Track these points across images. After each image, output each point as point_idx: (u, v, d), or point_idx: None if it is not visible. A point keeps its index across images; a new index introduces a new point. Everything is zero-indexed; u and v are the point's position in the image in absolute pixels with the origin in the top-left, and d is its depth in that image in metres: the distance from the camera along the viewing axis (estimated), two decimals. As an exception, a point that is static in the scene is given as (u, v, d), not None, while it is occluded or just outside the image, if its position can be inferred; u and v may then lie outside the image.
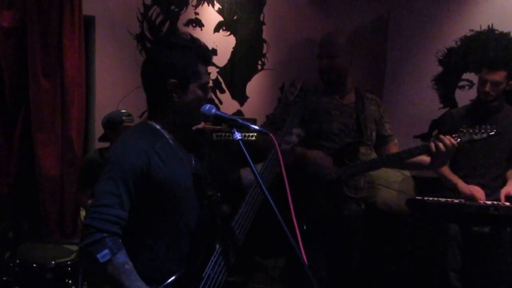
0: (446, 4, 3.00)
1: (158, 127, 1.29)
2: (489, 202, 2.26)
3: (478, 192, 2.35)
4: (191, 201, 1.29)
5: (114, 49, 3.07)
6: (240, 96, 3.41)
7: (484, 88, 2.39)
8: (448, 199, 2.25)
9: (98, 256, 1.13)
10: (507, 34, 2.91)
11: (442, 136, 1.78)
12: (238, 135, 1.21)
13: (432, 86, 3.08)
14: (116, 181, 1.19)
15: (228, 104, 3.43)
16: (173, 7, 3.34)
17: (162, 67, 1.26)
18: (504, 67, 2.38)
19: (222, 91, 3.44)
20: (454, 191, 2.43)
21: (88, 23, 2.97)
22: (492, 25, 2.94)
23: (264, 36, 3.36)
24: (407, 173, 2.87)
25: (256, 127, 1.25)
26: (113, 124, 2.49)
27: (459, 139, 1.83)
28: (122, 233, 1.18)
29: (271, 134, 1.26)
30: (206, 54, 1.31)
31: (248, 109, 3.39)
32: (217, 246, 1.23)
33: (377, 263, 3.06)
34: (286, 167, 1.23)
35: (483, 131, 1.86)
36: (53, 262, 2.15)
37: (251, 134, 2.76)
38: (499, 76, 2.36)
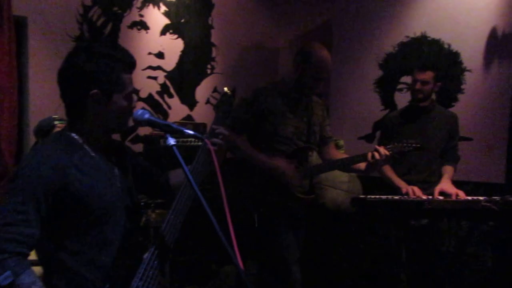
0: (384, 12, 3.18)
1: (77, 137, 1.23)
2: (424, 197, 2.42)
3: (415, 190, 2.49)
4: (115, 213, 1.23)
5: (50, 52, 2.81)
6: (189, 101, 3.32)
7: (415, 86, 2.59)
8: (389, 196, 2.37)
9: None
10: (438, 40, 3.10)
11: (377, 147, 2.08)
12: (172, 141, 1.17)
13: (374, 89, 3.20)
14: (24, 197, 1.11)
15: (177, 109, 3.32)
16: (115, 8, 3.14)
17: (83, 77, 1.19)
18: (432, 68, 2.60)
19: (171, 96, 3.31)
20: (396, 189, 2.58)
21: (20, 24, 2.66)
22: (425, 32, 3.13)
23: (213, 40, 3.30)
24: (353, 173, 2.94)
25: (191, 132, 1.23)
26: (43, 131, 2.27)
27: (391, 151, 2.14)
28: (43, 251, 1.12)
29: (205, 139, 1.27)
30: (130, 62, 1.26)
31: (198, 114, 3.32)
32: (145, 256, 1.19)
33: (331, 262, 3.11)
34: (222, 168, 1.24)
35: (409, 145, 2.20)
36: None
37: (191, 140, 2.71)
38: (427, 75, 2.57)
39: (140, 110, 1.25)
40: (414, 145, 2.18)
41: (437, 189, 2.49)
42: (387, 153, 2.07)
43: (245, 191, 2.26)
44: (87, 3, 3.05)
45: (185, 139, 2.89)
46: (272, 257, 2.23)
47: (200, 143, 1.42)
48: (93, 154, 1.23)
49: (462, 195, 2.43)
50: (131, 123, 1.28)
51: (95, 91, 1.18)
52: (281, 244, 2.19)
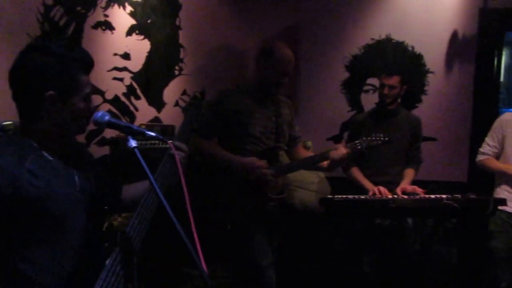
0: (351, 14, 3.24)
1: (31, 141, 1.17)
2: (389, 196, 2.47)
3: (381, 190, 2.55)
4: (74, 218, 1.19)
5: (9, 52, 2.66)
6: (157, 103, 3.26)
7: (383, 91, 2.66)
8: (355, 196, 2.41)
9: None
10: (402, 42, 3.17)
11: (338, 146, 2.18)
12: (133, 143, 1.15)
13: (341, 90, 3.23)
14: None
15: (144, 111, 3.25)
16: (79, 8, 3.03)
17: (37, 78, 1.14)
18: (398, 73, 2.67)
19: (137, 98, 3.24)
20: (363, 190, 2.65)
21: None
22: (389, 34, 3.18)
23: (181, 41, 3.26)
24: (322, 174, 2.96)
25: (153, 134, 1.22)
26: None
27: (359, 146, 2.19)
28: None
29: (169, 142, 1.25)
30: (88, 62, 1.23)
31: (166, 116, 3.26)
32: (107, 262, 1.16)
33: (301, 262, 3.10)
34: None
35: (378, 138, 2.25)
36: None
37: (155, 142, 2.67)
38: (394, 80, 2.64)
39: (100, 112, 1.21)
40: (382, 138, 2.23)
41: (399, 189, 2.57)
42: (346, 151, 2.13)
43: (216, 195, 2.25)
44: (48, 2, 2.95)
45: (153, 142, 2.82)
46: (246, 261, 2.22)
47: (165, 145, 1.38)
48: (50, 158, 1.17)
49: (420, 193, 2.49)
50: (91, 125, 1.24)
51: (51, 92, 1.14)
52: (254, 248, 2.19)
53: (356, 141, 2.23)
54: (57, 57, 1.15)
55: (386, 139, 2.27)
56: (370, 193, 2.54)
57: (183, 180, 1.16)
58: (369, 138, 2.25)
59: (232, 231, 2.23)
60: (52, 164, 1.17)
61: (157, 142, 2.82)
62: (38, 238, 1.13)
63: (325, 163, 2.22)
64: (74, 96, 1.17)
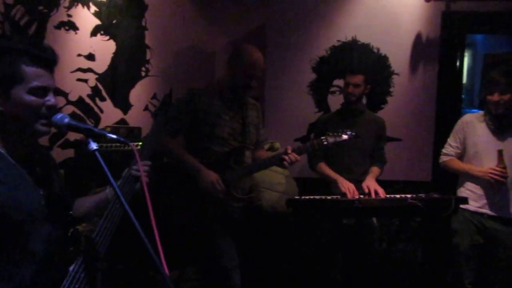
0: (317, 16, 3.24)
1: None
2: (356, 197, 2.50)
3: (352, 188, 2.57)
4: (37, 224, 1.16)
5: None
6: (123, 104, 3.22)
7: (347, 89, 2.70)
8: (322, 196, 2.43)
9: None
10: (368, 44, 3.19)
11: (288, 150, 2.19)
12: (93, 145, 1.13)
13: (308, 92, 3.23)
14: None
15: (110, 113, 3.20)
16: (41, 7, 2.95)
17: None
18: (362, 72, 2.71)
19: (103, 99, 3.18)
20: (331, 187, 2.67)
21: None
22: (355, 36, 3.20)
23: (147, 41, 3.19)
24: (288, 173, 2.96)
25: (114, 136, 1.20)
26: None
27: (326, 142, 2.24)
28: None
29: (132, 145, 1.23)
30: (37, 55, 1.18)
31: (133, 118, 3.20)
32: (70, 269, 1.15)
33: (269, 262, 3.10)
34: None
35: (344, 134, 2.29)
36: None
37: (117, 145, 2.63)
38: (358, 79, 2.68)
39: (60, 114, 1.19)
40: (349, 133, 2.30)
41: (364, 185, 2.61)
42: (297, 158, 2.19)
43: (183, 198, 2.24)
44: (9, 1, 2.86)
45: (117, 144, 2.76)
46: (211, 264, 2.23)
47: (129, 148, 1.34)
48: (13, 162, 1.15)
49: (381, 193, 2.53)
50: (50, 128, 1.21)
51: None
52: (219, 251, 2.20)
53: (322, 137, 2.27)
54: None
55: (353, 134, 2.32)
56: (342, 188, 2.56)
57: (147, 194, 1.14)
58: (335, 133, 2.29)
59: (199, 234, 2.23)
60: (16, 168, 1.15)
61: (120, 145, 2.77)
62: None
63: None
64: (16, 87, 1.13)
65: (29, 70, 1.15)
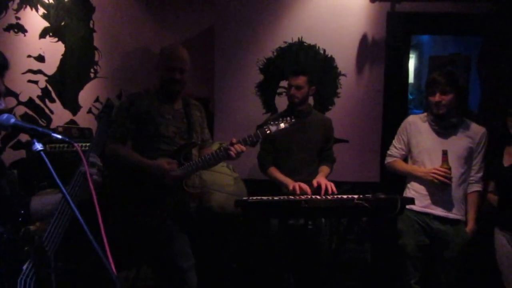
0: (264, 17, 3.29)
1: None
2: (303, 197, 2.50)
3: (301, 186, 2.57)
4: None
5: None
6: (72, 106, 3.27)
7: (290, 91, 2.69)
8: (269, 197, 2.43)
9: None
10: (314, 46, 3.17)
11: (233, 140, 2.25)
12: (38, 146, 1.14)
13: (256, 93, 3.22)
14: None
15: (60, 114, 3.24)
16: (-11, 10, 2.96)
17: None
18: (304, 73, 2.70)
19: (52, 101, 3.22)
20: (282, 189, 2.68)
21: None
22: (301, 37, 3.18)
23: (96, 43, 3.22)
24: (237, 175, 2.96)
25: (59, 136, 1.20)
26: None
27: (268, 131, 2.30)
28: None
29: (76, 145, 1.22)
30: None
31: (82, 119, 3.24)
32: (24, 267, 1.17)
33: (220, 262, 3.11)
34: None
35: (285, 121, 2.35)
36: None
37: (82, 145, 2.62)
38: (300, 80, 2.67)
39: (6, 115, 1.20)
40: (289, 120, 2.36)
41: (314, 182, 2.62)
42: (243, 148, 2.24)
43: (136, 198, 2.26)
44: None
45: (67, 145, 2.77)
46: (167, 264, 2.25)
47: (84, 148, 1.35)
48: None
49: (332, 187, 2.56)
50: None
51: None
52: (175, 251, 2.23)
53: (264, 126, 2.32)
54: None
55: (293, 120, 2.37)
56: (290, 187, 2.56)
57: (94, 196, 1.14)
58: (276, 122, 2.34)
59: (155, 233, 2.24)
60: None
61: (66, 146, 2.78)
62: None
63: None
64: None
65: None
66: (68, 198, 1.08)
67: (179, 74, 2.24)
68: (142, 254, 2.58)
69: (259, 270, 3.15)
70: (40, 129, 1.18)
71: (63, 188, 1.09)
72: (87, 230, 1.03)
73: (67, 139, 1.22)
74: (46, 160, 1.10)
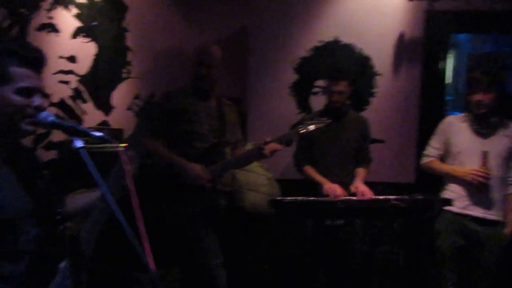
0: (299, 16, 3.29)
1: None
2: (338, 194, 2.51)
3: (336, 189, 2.56)
4: (26, 223, 1.20)
5: None
6: (104, 106, 3.27)
7: (332, 97, 2.68)
8: (304, 198, 2.41)
9: None
10: (350, 45, 3.13)
11: (266, 139, 2.25)
12: (78, 143, 1.14)
13: (290, 93, 3.17)
14: None
15: (92, 115, 3.24)
16: (22, 10, 2.94)
17: None
18: (345, 78, 2.67)
19: (84, 101, 3.19)
20: (318, 189, 2.65)
21: None
22: (337, 36, 3.15)
23: (128, 43, 3.20)
24: (271, 175, 2.92)
25: (98, 134, 1.20)
26: None
27: (304, 130, 2.29)
28: None
29: (114, 144, 1.25)
30: (24, 55, 1.20)
31: (114, 120, 3.24)
32: (61, 266, 1.18)
33: (252, 263, 3.08)
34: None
35: (322, 120, 2.35)
36: None
37: (115, 146, 2.58)
38: (342, 86, 2.65)
39: (45, 113, 1.21)
40: (324, 120, 2.35)
41: (352, 188, 2.60)
42: (279, 147, 2.24)
43: (167, 196, 2.26)
44: None
45: (99, 146, 2.74)
46: (195, 263, 2.27)
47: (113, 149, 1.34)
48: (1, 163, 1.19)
49: (370, 194, 2.53)
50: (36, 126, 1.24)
51: None
52: (205, 249, 2.24)
53: (300, 125, 2.31)
54: None
55: (328, 120, 2.36)
56: (325, 186, 2.55)
57: (133, 194, 1.14)
58: (312, 121, 2.33)
59: (183, 232, 2.26)
60: (1, 169, 1.17)
61: (104, 145, 2.75)
62: None
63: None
64: (4, 87, 1.15)
65: (18, 71, 1.18)
66: (108, 196, 1.08)
67: (206, 69, 2.24)
68: (172, 254, 2.57)
69: (290, 271, 3.12)
70: (79, 127, 1.19)
71: (103, 186, 1.09)
72: (127, 227, 1.03)
73: (106, 138, 1.22)
74: (86, 158, 1.10)
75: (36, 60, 1.21)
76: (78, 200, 1.43)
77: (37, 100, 1.20)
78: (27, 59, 1.19)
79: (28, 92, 1.18)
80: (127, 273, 3.12)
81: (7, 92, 1.16)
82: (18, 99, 1.16)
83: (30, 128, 1.20)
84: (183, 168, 2.18)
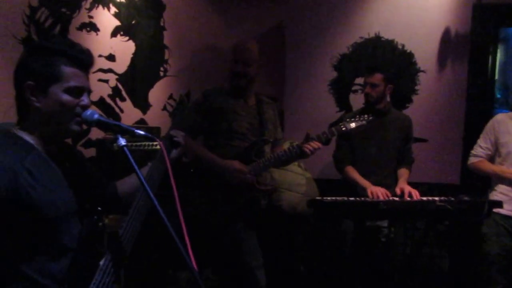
0: (338, 12, 3.17)
1: (26, 137, 1.20)
2: (381, 198, 2.42)
3: (381, 190, 2.48)
4: (69, 220, 1.21)
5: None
6: (142, 104, 3.29)
7: (365, 90, 2.62)
8: (345, 198, 2.37)
9: None
10: (392, 41, 3.03)
11: (310, 139, 2.22)
12: (122, 141, 1.15)
13: (329, 90, 3.09)
14: None
15: (129, 113, 3.27)
16: (64, 9, 2.98)
17: (20, 69, 1.22)
18: (380, 70, 2.61)
19: (123, 99, 3.24)
20: (358, 189, 2.59)
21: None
22: (379, 32, 3.04)
23: (165, 41, 3.21)
24: (309, 175, 2.85)
25: (142, 132, 1.21)
26: None
27: (344, 128, 2.26)
28: None
29: (158, 140, 1.26)
30: (75, 56, 1.22)
31: (152, 118, 3.27)
32: (101, 263, 1.17)
33: (291, 264, 3.02)
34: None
35: (363, 118, 2.30)
36: None
37: (151, 143, 2.61)
38: (376, 78, 2.58)
39: (90, 111, 1.22)
40: (367, 118, 2.31)
41: (397, 189, 2.52)
42: (319, 145, 2.22)
43: (207, 196, 2.25)
44: (34, 4, 2.96)
45: (139, 143, 2.76)
46: (236, 263, 2.25)
47: (155, 147, 1.35)
48: (47, 158, 1.20)
49: (416, 195, 2.45)
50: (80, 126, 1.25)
51: (29, 82, 1.18)
52: (244, 249, 2.22)
53: (340, 123, 2.27)
54: (39, 49, 1.21)
55: (370, 117, 2.32)
56: (368, 191, 2.47)
57: (172, 180, 1.15)
58: (352, 119, 2.29)
59: (222, 233, 2.23)
60: (48, 163, 1.20)
61: (143, 143, 2.77)
62: (36, 240, 1.15)
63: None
64: (54, 86, 1.18)
65: (67, 70, 1.20)
66: (150, 192, 1.08)
67: (242, 66, 2.20)
68: (208, 254, 2.54)
69: (327, 274, 3.05)
70: (124, 125, 1.21)
71: (145, 182, 1.09)
72: (168, 224, 1.02)
73: (150, 136, 1.23)
74: (129, 155, 1.11)
75: (84, 60, 1.24)
76: (128, 180, 1.44)
77: (85, 100, 1.22)
78: (76, 59, 1.21)
79: (77, 91, 1.20)
80: (163, 271, 3.12)
81: (57, 90, 1.18)
82: (67, 98, 1.18)
83: (78, 128, 1.22)
84: (221, 165, 2.15)
